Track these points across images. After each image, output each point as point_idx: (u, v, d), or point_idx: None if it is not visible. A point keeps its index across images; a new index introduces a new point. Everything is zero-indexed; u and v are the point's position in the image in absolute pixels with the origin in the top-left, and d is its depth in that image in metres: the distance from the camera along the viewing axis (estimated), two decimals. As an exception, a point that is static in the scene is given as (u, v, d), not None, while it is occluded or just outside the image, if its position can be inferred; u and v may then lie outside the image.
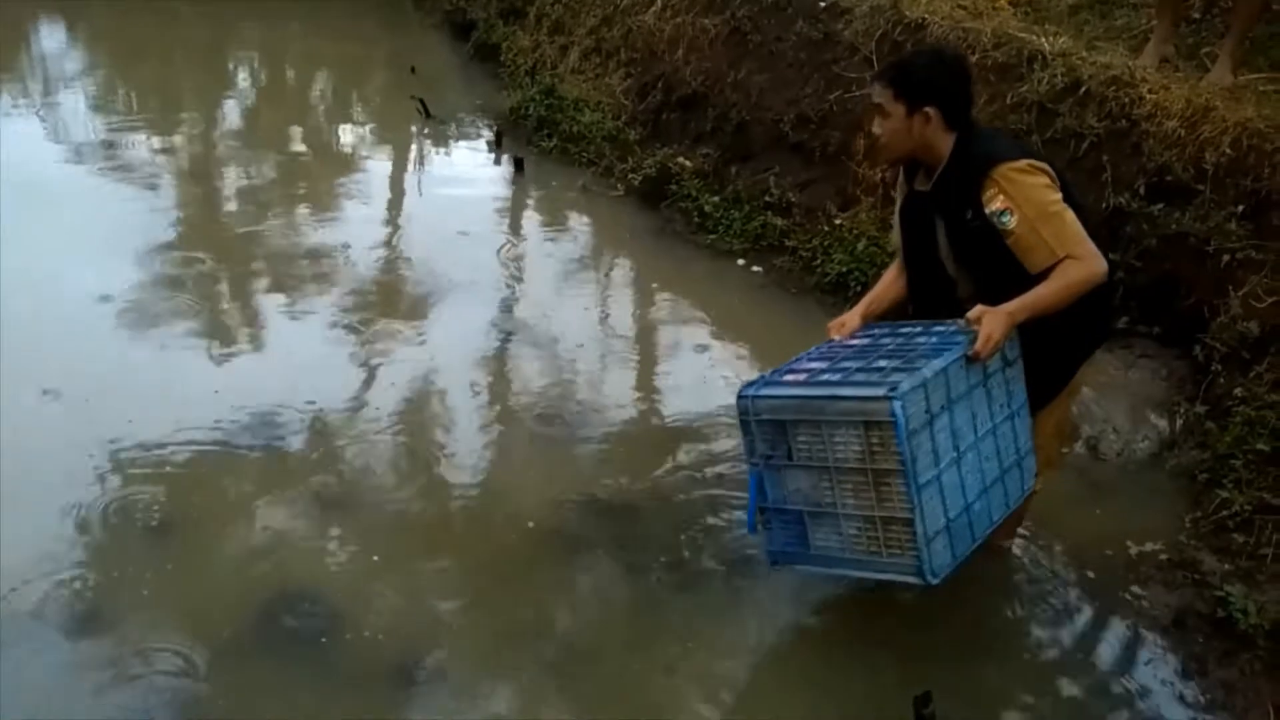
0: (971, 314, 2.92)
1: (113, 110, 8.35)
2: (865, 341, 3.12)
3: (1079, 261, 2.89)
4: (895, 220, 3.29)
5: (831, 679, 3.07)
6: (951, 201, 2.98)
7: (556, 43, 8.40)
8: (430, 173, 7.29)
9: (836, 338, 3.24)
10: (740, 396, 3.00)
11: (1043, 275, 2.91)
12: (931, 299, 3.20)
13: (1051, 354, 3.11)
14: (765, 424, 2.95)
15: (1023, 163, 2.91)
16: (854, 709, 2.99)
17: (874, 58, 5.81)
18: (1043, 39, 5.26)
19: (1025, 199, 2.89)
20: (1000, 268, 2.94)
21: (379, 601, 3.24)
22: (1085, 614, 3.35)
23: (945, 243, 3.06)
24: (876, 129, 3.06)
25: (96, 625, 3.09)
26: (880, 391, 2.69)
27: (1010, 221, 2.89)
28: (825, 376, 2.91)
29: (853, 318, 3.28)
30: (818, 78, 6.06)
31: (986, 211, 2.90)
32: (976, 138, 3.01)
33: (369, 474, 3.87)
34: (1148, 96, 4.63)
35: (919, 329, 3.09)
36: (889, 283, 3.35)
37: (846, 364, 2.94)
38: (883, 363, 2.87)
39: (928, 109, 2.94)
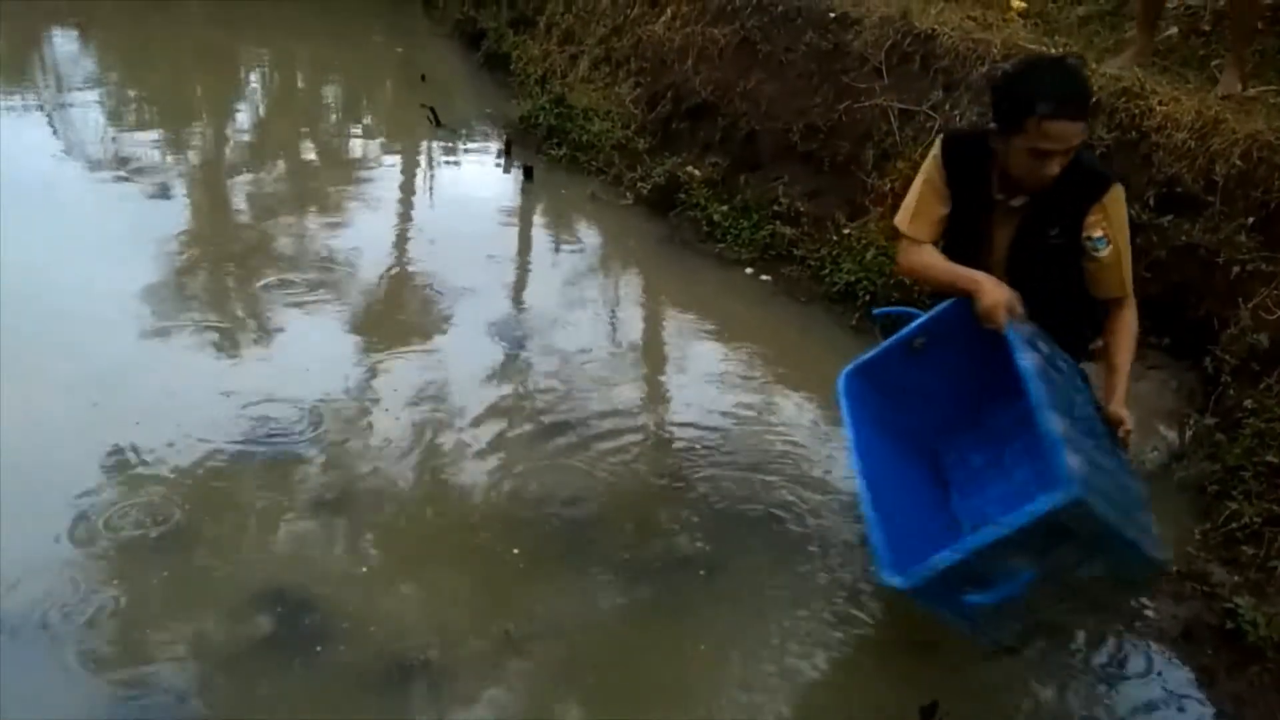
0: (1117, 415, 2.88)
1: (124, 116, 8.40)
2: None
3: (1132, 310, 2.97)
4: (947, 202, 3.05)
5: (837, 684, 3.08)
6: (1049, 217, 2.91)
7: (566, 52, 8.42)
8: (440, 180, 7.31)
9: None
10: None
11: (1081, 298, 2.97)
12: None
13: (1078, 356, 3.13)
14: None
15: (1119, 187, 2.92)
16: (859, 715, 2.98)
17: (883, 68, 5.82)
18: (1053, 50, 5.27)
19: (1120, 229, 2.91)
20: (1050, 283, 2.94)
21: (381, 607, 3.24)
22: (1091, 626, 3.32)
23: (1010, 250, 2.99)
24: (1057, 170, 2.78)
25: (97, 630, 3.09)
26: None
27: (1104, 251, 2.89)
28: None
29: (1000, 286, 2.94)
30: (827, 88, 6.06)
31: (1085, 235, 2.87)
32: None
33: (373, 479, 3.86)
34: (1158, 108, 4.63)
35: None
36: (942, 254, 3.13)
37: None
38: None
39: None
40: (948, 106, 5.42)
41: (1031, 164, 2.79)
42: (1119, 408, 2.90)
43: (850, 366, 3.21)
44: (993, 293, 2.87)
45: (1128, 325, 2.96)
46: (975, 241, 3.02)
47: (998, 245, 3.00)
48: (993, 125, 2.88)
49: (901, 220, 3.14)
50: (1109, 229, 2.88)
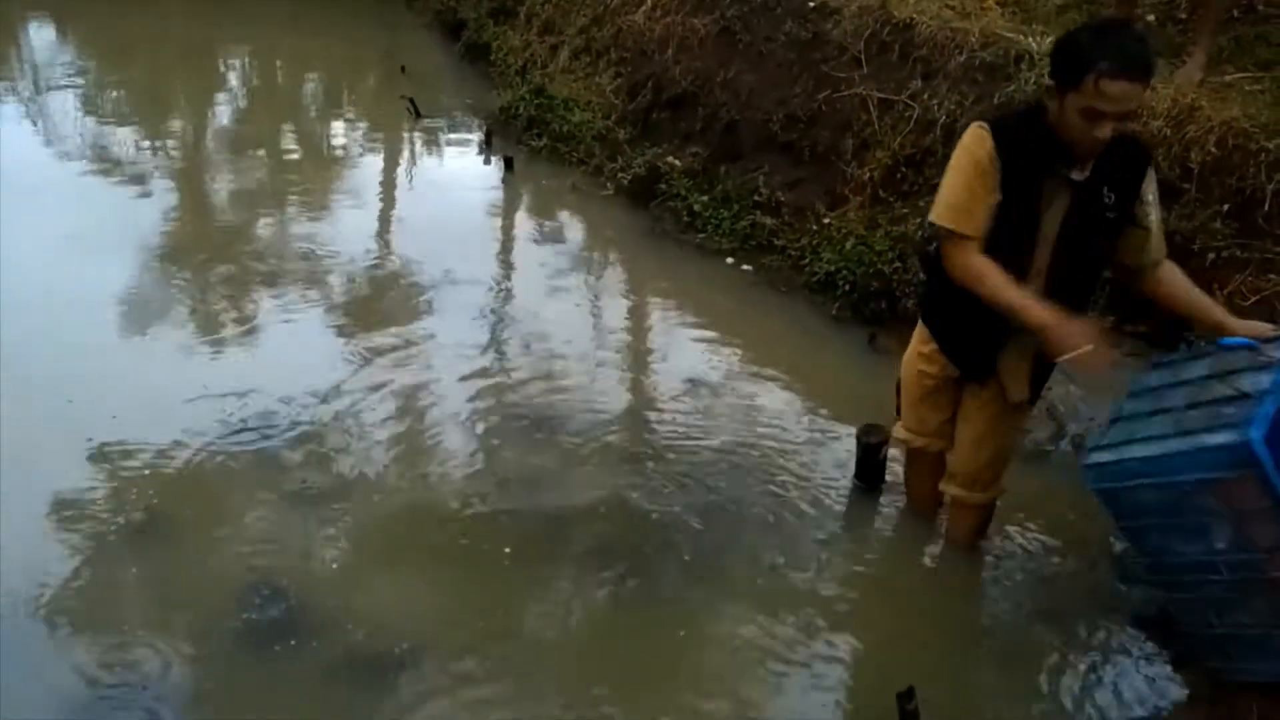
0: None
1: (103, 109, 8.36)
2: None
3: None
4: (994, 193, 2.86)
5: (815, 672, 3.09)
6: (1107, 186, 2.83)
7: (546, 42, 8.41)
8: (421, 172, 7.30)
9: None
10: None
11: (1093, 267, 3.00)
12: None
13: None
14: None
15: None
16: (838, 704, 3.01)
17: (862, 57, 5.83)
18: (1030, 39, 5.28)
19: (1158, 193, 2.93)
20: (1095, 259, 2.96)
21: (357, 599, 3.24)
22: (1072, 611, 3.34)
23: (1060, 226, 2.87)
24: (1109, 134, 2.68)
25: (74, 622, 3.10)
26: None
27: (1155, 211, 2.92)
28: None
29: (1050, 312, 2.81)
30: (807, 77, 6.07)
31: (1147, 197, 2.87)
32: None
33: (354, 472, 3.87)
34: (1134, 96, 4.65)
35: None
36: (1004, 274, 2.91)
37: None
38: None
39: None
40: (926, 95, 5.43)
41: (1084, 126, 2.69)
42: (1245, 324, 2.92)
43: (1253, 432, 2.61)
44: (1063, 327, 2.73)
45: (1179, 270, 3.01)
46: (1025, 225, 2.89)
47: (1047, 226, 2.90)
48: (1049, 84, 2.79)
49: (946, 216, 2.90)
50: (1156, 190, 2.92)
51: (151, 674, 2.94)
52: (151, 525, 3.51)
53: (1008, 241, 2.91)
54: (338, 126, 8.45)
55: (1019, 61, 5.15)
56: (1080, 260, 2.94)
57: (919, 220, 4.95)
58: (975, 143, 2.88)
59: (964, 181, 2.89)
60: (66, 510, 3.54)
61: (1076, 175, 2.84)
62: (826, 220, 5.46)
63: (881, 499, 3.77)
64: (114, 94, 8.99)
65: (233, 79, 9.59)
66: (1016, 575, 3.50)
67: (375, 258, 5.74)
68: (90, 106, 8.32)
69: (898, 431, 3.49)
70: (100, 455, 3.83)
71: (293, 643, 3.07)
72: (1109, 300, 4.40)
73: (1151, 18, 5.66)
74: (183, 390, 4.25)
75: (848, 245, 5.24)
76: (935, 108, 5.34)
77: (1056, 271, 2.93)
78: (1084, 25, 3.01)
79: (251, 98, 9.09)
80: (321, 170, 7.21)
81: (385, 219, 6.40)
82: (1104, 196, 2.85)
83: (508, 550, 3.50)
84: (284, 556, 3.42)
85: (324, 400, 4.25)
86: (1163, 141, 4.47)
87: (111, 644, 3.03)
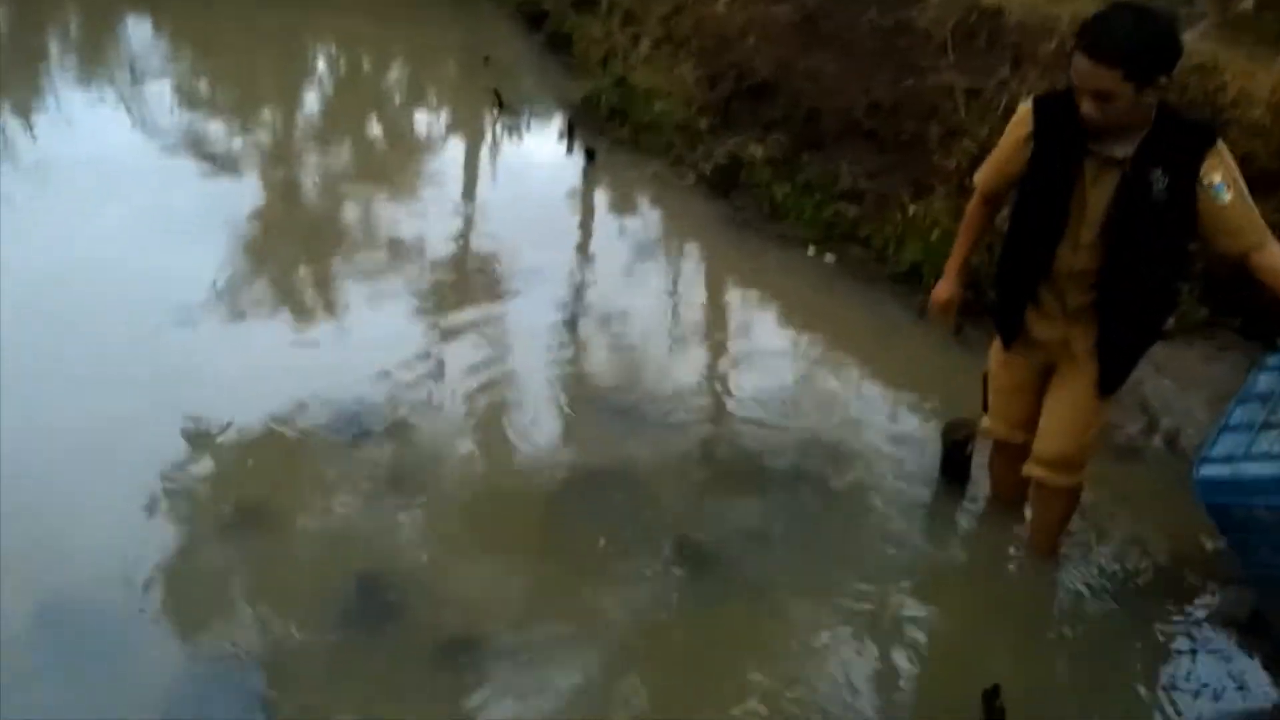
0: None
1: (196, 99, 8.56)
2: None
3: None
4: (1018, 168, 3.05)
5: (897, 670, 3.08)
6: (1157, 168, 2.82)
7: (628, 32, 8.40)
8: (503, 162, 7.36)
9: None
10: None
11: (1176, 265, 3.00)
12: (1025, 262, 3.12)
13: (1153, 333, 3.15)
14: None
15: (1222, 141, 2.88)
16: (921, 700, 3.00)
17: (949, 44, 5.76)
18: (1122, 25, 5.17)
19: (1237, 178, 2.84)
20: (1150, 246, 2.90)
21: (448, 586, 3.30)
22: (1160, 610, 3.30)
23: (1105, 210, 2.90)
24: (1092, 112, 2.75)
25: (172, 609, 3.18)
26: None
27: (1226, 195, 2.80)
28: None
29: (950, 287, 3.37)
30: (890, 65, 6.01)
31: (1205, 182, 2.79)
32: (1172, 105, 2.91)
33: (441, 459, 3.93)
34: (1231, 83, 4.54)
35: None
36: (976, 231, 3.36)
37: None
38: None
39: (1162, 79, 2.74)
40: (1015, 83, 5.35)
41: (1078, 99, 2.78)
42: None
43: None
44: (935, 292, 3.37)
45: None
46: (1065, 200, 2.93)
47: (1092, 205, 2.91)
48: None
49: (977, 174, 3.28)
50: (1228, 176, 2.81)
51: (248, 659, 3.01)
52: (243, 513, 3.59)
53: (1043, 214, 3.00)
54: (422, 116, 8.57)
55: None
56: (1138, 242, 2.90)
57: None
58: (1017, 120, 3.06)
59: (998, 152, 3.16)
60: (159, 498, 3.62)
61: (1118, 152, 2.84)
62: (911, 210, 5.40)
63: (966, 495, 3.74)
64: (205, 84, 9.20)
65: (320, 68, 9.76)
66: (1104, 572, 3.45)
67: (460, 245, 5.82)
68: (183, 96, 8.52)
69: (984, 422, 3.48)
70: (193, 442, 3.92)
71: (386, 628, 3.14)
72: (1204, 290, 4.32)
73: (1250, 3, 5.50)
74: (276, 375, 4.35)
75: (933, 236, 5.18)
76: (1024, 95, 5.22)
77: (1110, 250, 2.92)
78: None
79: (338, 87, 9.24)
80: (406, 158, 7.32)
81: (468, 207, 6.47)
82: (1151, 178, 2.82)
83: (587, 539, 3.53)
84: (375, 543, 3.48)
85: (412, 386, 4.33)
86: (1261, 131, 4.36)
87: (209, 633, 3.10)
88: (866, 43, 6.22)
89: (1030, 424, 3.35)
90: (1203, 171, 2.80)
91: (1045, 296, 3.11)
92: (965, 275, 3.41)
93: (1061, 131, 2.89)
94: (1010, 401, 3.38)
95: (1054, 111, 2.93)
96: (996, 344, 3.37)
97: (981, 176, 3.24)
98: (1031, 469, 3.32)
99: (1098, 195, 2.90)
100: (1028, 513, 3.53)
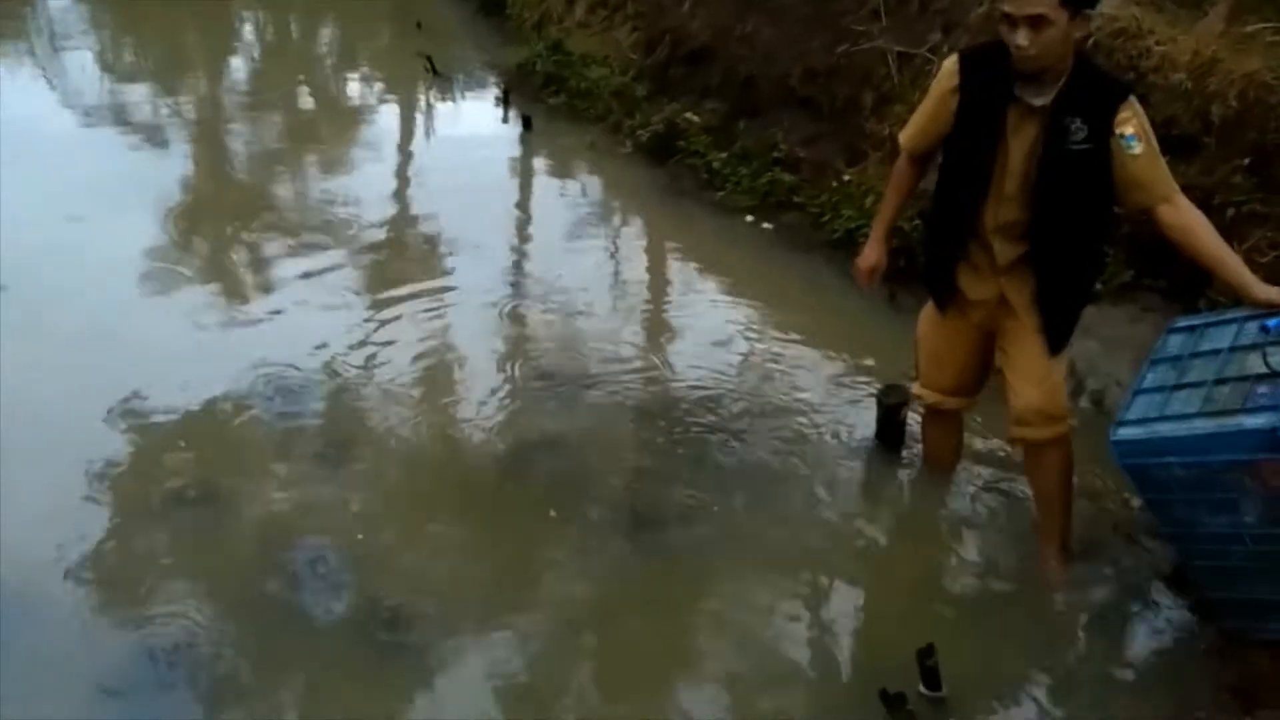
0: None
1: (118, 67, 8.39)
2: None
3: (1189, 203, 2.94)
4: (944, 124, 3.10)
5: (834, 631, 3.17)
6: (1074, 118, 2.87)
7: (563, -5, 8.34)
8: (439, 131, 7.31)
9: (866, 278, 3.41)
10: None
11: (1100, 221, 3.04)
12: (952, 218, 3.16)
13: (1085, 287, 3.21)
14: None
15: (1134, 97, 2.94)
16: (857, 661, 3.09)
17: (881, 10, 5.80)
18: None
19: (1148, 131, 2.90)
20: (1072, 196, 2.95)
21: (384, 561, 3.32)
22: (1089, 567, 3.39)
23: (1025, 159, 2.95)
24: (1024, 41, 2.76)
25: (106, 584, 3.19)
26: None
27: (1137, 147, 2.86)
28: None
29: (877, 251, 3.37)
30: (825, 31, 6.04)
31: (1117, 133, 2.84)
32: (1088, 56, 2.97)
33: (376, 433, 3.95)
34: (1155, 48, 4.62)
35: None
36: (903, 192, 3.36)
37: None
38: None
39: (1087, 11, 2.83)
40: (946, 48, 5.39)
41: (1006, 35, 2.81)
42: (1266, 288, 2.85)
43: None
44: (862, 257, 3.40)
45: (1196, 213, 2.93)
46: (990, 149, 2.98)
47: (1013, 157, 2.96)
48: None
49: (901, 133, 3.31)
50: (1140, 129, 2.88)
51: (181, 635, 3.02)
52: (180, 486, 3.59)
53: (968, 167, 3.06)
54: (353, 84, 8.45)
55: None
56: (1058, 194, 2.96)
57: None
58: (943, 74, 3.10)
59: (923, 108, 3.20)
60: (91, 476, 3.61)
61: (1037, 100, 2.90)
62: (846, 177, 5.46)
63: (902, 460, 3.82)
64: (128, 52, 9.01)
65: (247, 35, 9.57)
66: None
67: (393, 216, 5.79)
68: (105, 65, 8.35)
69: (915, 389, 3.53)
70: (123, 419, 3.90)
71: (322, 604, 3.16)
72: (1128, 253, 4.41)
73: (1173, -34, 5.59)
74: (205, 349, 4.34)
75: (868, 202, 5.21)
76: (953, 60, 5.31)
77: (1036, 199, 2.98)
78: None
79: (266, 54, 9.09)
80: (338, 128, 7.23)
81: (403, 178, 6.43)
82: (1070, 127, 2.89)
83: (526, 510, 3.58)
84: (310, 518, 3.50)
85: (345, 359, 4.34)
86: (1183, 94, 4.44)
87: (142, 605, 3.11)
88: (801, 9, 6.24)
89: (961, 389, 3.42)
90: (1116, 122, 2.87)
91: (976, 253, 3.15)
92: (891, 239, 3.45)
93: (988, 81, 2.96)
94: (941, 366, 3.41)
95: (980, 63, 3.01)
96: (927, 309, 3.40)
97: (907, 135, 3.25)
98: (1013, 431, 3.29)
99: (1019, 144, 2.96)
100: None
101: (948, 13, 5.55)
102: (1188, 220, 2.94)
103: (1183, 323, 3.17)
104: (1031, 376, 3.18)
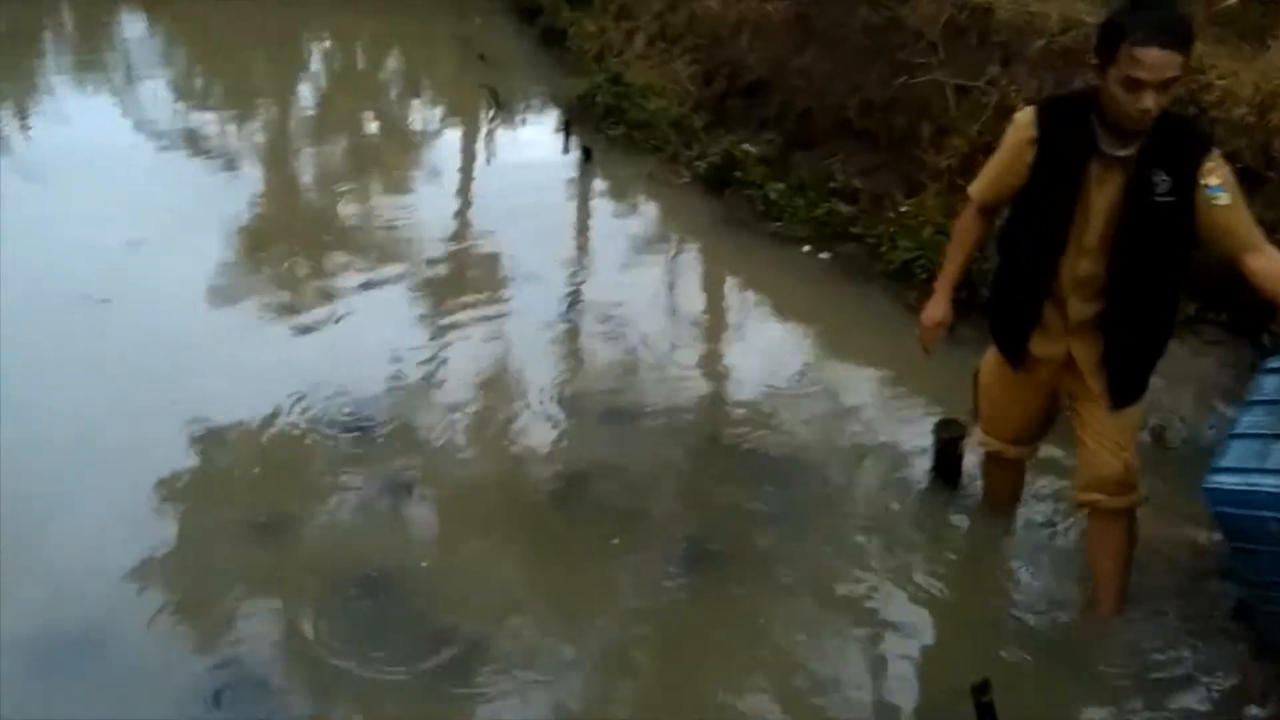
0: None
1: (192, 94, 8.65)
2: None
3: (1276, 254, 2.88)
4: (1018, 176, 3.02)
5: (889, 663, 3.16)
6: (1159, 170, 2.82)
7: (622, 28, 8.48)
8: (500, 159, 7.45)
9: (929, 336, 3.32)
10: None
11: (1179, 272, 2.97)
12: (1028, 273, 3.08)
13: (1159, 341, 3.10)
14: None
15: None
16: (911, 695, 3.08)
17: (939, 43, 5.82)
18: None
19: (1232, 181, 2.86)
20: (1155, 248, 2.89)
21: (452, 585, 3.36)
22: (1147, 601, 3.35)
23: (1107, 212, 2.89)
24: (1151, 104, 2.69)
25: (181, 613, 3.23)
26: None
27: (1224, 198, 2.81)
28: None
29: (942, 306, 3.28)
30: (882, 63, 6.07)
31: (1202, 184, 2.80)
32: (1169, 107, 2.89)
33: (438, 456, 4.02)
34: (1216, 83, 4.61)
35: None
36: (969, 246, 3.27)
37: None
38: None
39: None
40: (1005, 81, 5.42)
41: (1126, 98, 2.71)
42: None
43: None
44: (927, 312, 3.29)
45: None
46: (1071, 202, 2.92)
47: (1095, 210, 2.90)
48: (1094, 62, 2.82)
49: (972, 184, 3.21)
50: (1224, 178, 2.83)
51: (252, 659, 3.06)
52: (244, 510, 3.66)
53: (1047, 220, 2.98)
54: (417, 112, 8.67)
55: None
56: (1140, 247, 2.91)
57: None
58: (1018, 125, 3.01)
59: (997, 159, 3.10)
60: (158, 499, 3.69)
61: (1121, 152, 2.85)
62: (903, 208, 5.48)
63: (959, 494, 3.80)
64: (201, 79, 9.29)
65: (315, 63, 9.82)
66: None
67: (456, 243, 5.92)
68: (178, 91, 8.63)
69: (978, 435, 3.50)
70: (191, 438, 4.00)
71: (387, 628, 3.21)
72: (1191, 285, 4.38)
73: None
74: (271, 372, 4.42)
75: (925, 233, 5.24)
76: (1013, 94, 5.31)
77: (1116, 253, 2.93)
78: (1123, 4, 2.99)
79: (333, 82, 9.32)
80: (402, 155, 7.42)
81: (465, 205, 6.57)
82: (1155, 179, 2.84)
83: (584, 534, 3.62)
84: (375, 541, 3.55)
85: (407, 384, 4.43)
86: (1245, 129, 4.43)
87: (212, 630, 3.16)
88: (858, 40, 6.29)
89: (1024, 439, 3.39)
90: (1201, 174, 2.82)
91: (1047, 311, 3.07)
92: (955, 292, 3.33)
93: (1068, 134, 2.90)
94: (1006, 418, 3.36)
95: (1059, 114, 2.94)
96: (991, 358, 3.33)
97: (978, 188, 3.17)
98: (1084, 496, 3.21)
99: (1101, 197, 2.90)
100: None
101: (1006, 46, 5.56)
102: (1276, 267, 2.87)
103: (1276, 362, 3.13)
104: (1107, 444, 3.11)
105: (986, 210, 3.21)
